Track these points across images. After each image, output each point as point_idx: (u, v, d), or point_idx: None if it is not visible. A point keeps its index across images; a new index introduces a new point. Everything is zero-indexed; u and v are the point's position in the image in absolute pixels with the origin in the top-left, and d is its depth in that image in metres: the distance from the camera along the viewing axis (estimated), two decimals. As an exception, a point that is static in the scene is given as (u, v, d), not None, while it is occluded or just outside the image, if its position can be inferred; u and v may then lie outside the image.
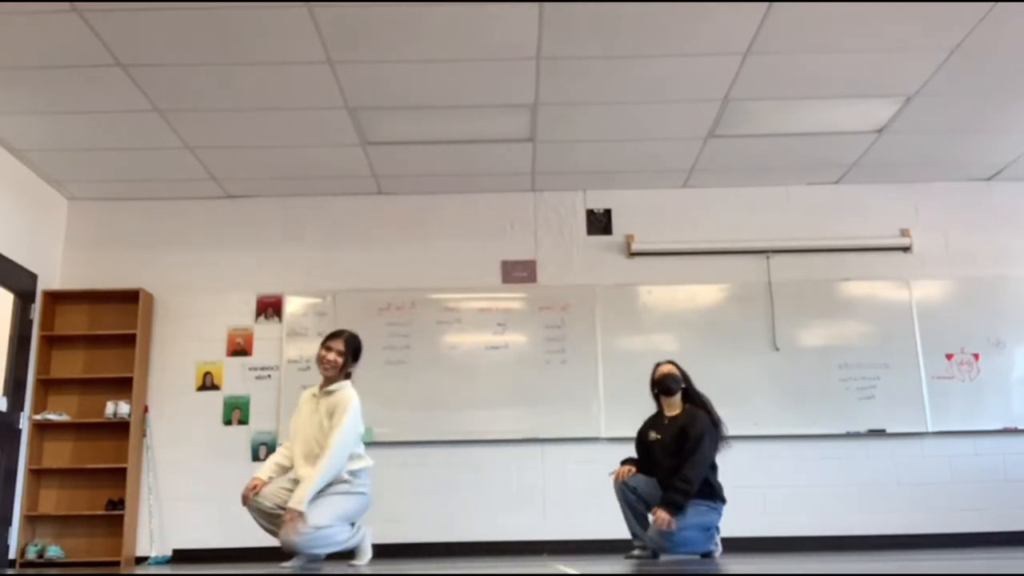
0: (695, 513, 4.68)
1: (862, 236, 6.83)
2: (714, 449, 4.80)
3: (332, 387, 4.50)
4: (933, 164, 6.66)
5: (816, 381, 6.53)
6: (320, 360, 4.54)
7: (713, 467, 4.83)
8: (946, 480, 6.40)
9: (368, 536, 4.55)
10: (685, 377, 4.98)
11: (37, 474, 6.36)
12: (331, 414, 4.40)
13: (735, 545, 5.93)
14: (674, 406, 4.94)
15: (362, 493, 4.41)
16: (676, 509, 4.60)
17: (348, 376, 4.57)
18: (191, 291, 6.76)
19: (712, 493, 4.78)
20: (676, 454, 4.76)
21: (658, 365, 5.06)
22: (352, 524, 4.43)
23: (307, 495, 4.18)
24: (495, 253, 6.86)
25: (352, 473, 4.37)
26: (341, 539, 4.33)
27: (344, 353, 4.51)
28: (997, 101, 5.73)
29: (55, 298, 6.62)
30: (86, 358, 6.60)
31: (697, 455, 4.68)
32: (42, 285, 6.53)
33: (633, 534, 4.87)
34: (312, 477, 4.23)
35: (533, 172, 6.67)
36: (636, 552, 4.79)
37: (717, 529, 4.84)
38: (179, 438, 6.50)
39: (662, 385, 4.95)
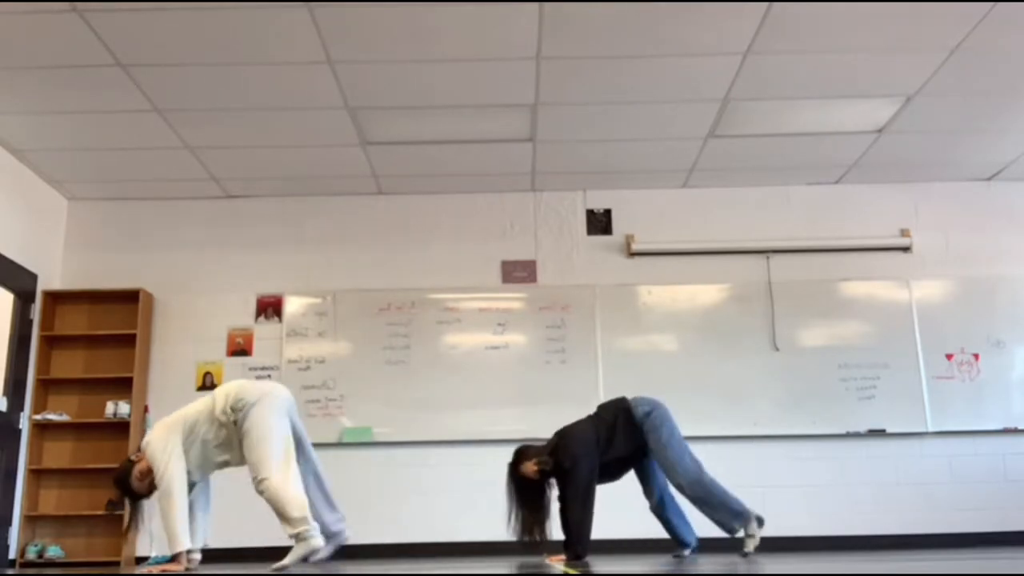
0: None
1: (862, 236, 6.83)
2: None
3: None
4: (933, 164, 6.66)
5: (816, 381, 6.53)
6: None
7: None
8: (946, 480, 6.41)
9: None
10: (544, 452, 4.61)
11: (37, 474, 6.36)
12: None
13: (735, 545, 5.93)
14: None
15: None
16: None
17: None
18: (191, 291, 6.76)
19: None
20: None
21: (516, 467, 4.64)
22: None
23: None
24: (495, 253, 6.86)
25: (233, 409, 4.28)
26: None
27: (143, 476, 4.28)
28: (997, 101, 5.73)
29: (55, 298, 6.62)
30: (86, 358, 6.60)
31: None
32: (42, 285, 6.53)
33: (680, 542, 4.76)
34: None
35: (533, 172, 6.67)
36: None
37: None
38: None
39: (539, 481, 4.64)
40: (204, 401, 4.42)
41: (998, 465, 6.43)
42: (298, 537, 4.17)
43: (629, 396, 4.78)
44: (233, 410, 4.29)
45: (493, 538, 6.27)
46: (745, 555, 4.49)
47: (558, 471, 4.55)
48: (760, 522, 4.50)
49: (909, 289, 6.70)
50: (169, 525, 4.11)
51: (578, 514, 4.42)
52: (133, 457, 4.35)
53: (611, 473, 4.71)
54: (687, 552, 4.73)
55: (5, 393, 6.12)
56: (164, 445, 4.20)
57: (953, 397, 6.49)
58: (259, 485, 4.22)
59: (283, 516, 4.20)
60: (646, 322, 6.68)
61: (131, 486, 4.29)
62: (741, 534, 4.52)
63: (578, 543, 4.40)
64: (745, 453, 6.40)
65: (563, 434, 4.67)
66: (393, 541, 6.23)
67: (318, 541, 4.19)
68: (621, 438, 4.61)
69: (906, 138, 6.21)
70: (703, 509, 4.57)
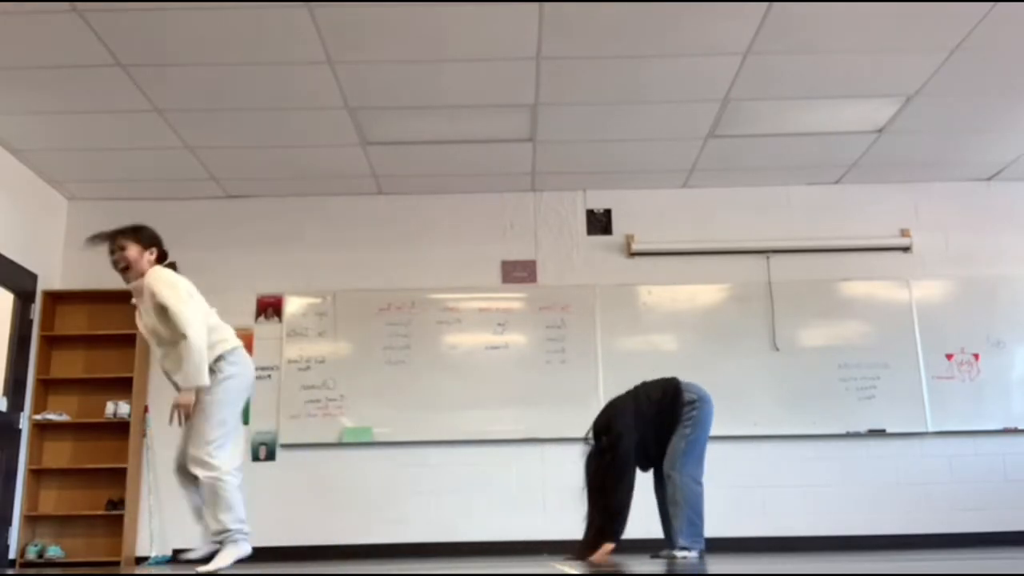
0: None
1: (862, 236, 6.83)
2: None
3: (134, 282, 4.21)
4: (933, 164, 6.66)
5: (816, 381, 6.53)
6: (119, 271, 4.25)
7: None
8: (946, 480, 6.41)
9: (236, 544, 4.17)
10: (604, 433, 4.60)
11: (37, 474, 6.36)
12: (152, 300, 4.13)
13: (735, 545, 5.94)
14: None
15: (230, 377, 4.13)
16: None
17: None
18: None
19: None
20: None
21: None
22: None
23: (190, 374, 3.97)
24: (495, 253, 6.86)
25: (216, 360, 4.09)
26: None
27: (125, 247, 4.19)
28: (997, 101, 5.73)
29: (55, 298, 6.62)
30: (86, 358, 6.60)
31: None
32: (42, 285, 6.53)
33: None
34: (184, 360, 3.99)
35: (533, 172, 6.67)
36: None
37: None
38: (179, 438, 6.48)
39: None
40: (202, 309, 4.16)
41: (998, 465, 6.43)
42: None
43: (681, 379, 4.68)
44: (220, 359, 4.11)
45: (493, 538, 6.29)
46: (664, 555, 4.46)
47: (601, 448, 4.52)
48: (701, 556, 4.45)
49: (909, 289, 6.70)
50: (196, 359, 3.97)
51: (622, 495, 4.38)
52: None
53: (648, 457, 4.66)
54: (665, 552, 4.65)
55: (5, 393, 6.12)
56: (188, 291, 4.11)
57: (953, 397, 6.49)
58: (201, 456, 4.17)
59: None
60: (646, 322, 6.68)
61: (127, 244, 4.20)
62: (679, 553, 4.42)
63: (619, 525, 4.36)
64: (745, 453, 6.40)
65: (607, 413, 4.62)
66: (393, 541, 6.23)
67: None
68: (661, 418, 4.56)
69: (906, 138, 6.21)
70: (672, 509, 4.51)
